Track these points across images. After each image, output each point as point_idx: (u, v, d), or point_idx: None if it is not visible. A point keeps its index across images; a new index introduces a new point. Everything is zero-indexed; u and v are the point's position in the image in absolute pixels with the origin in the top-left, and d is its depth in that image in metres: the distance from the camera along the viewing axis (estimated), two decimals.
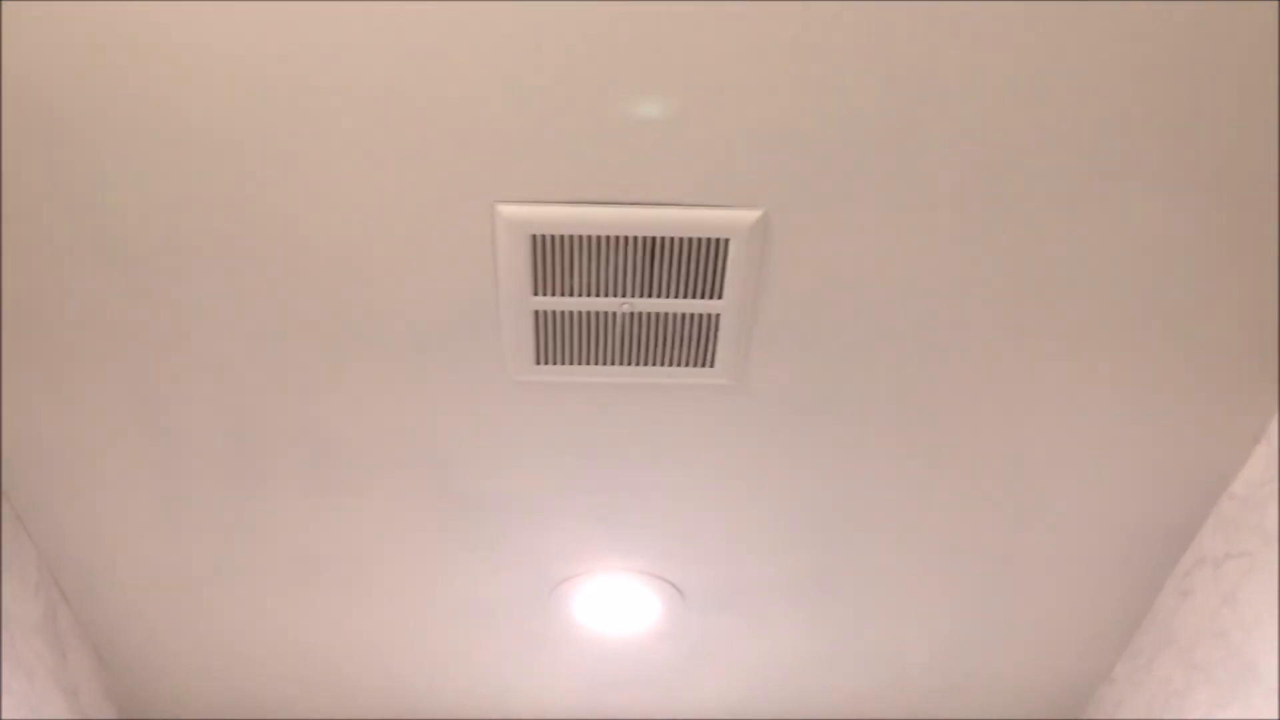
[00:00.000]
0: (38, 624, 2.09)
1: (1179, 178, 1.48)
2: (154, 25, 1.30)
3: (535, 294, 1.62)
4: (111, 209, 1.51)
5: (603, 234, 1.54)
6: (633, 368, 1.73)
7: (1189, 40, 1.32)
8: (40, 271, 1.59)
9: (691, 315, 1.65)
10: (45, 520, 2.02)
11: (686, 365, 1.73)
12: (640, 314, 1.65)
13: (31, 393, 1.78)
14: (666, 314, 1.65)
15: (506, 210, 1.51)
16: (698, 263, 1.58)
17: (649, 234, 1.53)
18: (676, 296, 1.62)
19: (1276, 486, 1.84)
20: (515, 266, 1.58)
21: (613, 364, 1.72)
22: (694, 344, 1.69)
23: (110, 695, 2.45)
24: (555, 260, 1.57)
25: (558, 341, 1.69)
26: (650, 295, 1.62)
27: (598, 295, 1.62)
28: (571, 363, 1.72)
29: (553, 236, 1.54)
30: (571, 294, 1.62)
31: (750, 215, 1.52)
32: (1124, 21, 1.30)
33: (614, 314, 1.65)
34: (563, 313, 1.65)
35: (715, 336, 1.68)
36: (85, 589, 2.18)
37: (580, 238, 1.55)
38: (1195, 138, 1.43)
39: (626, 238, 1.54)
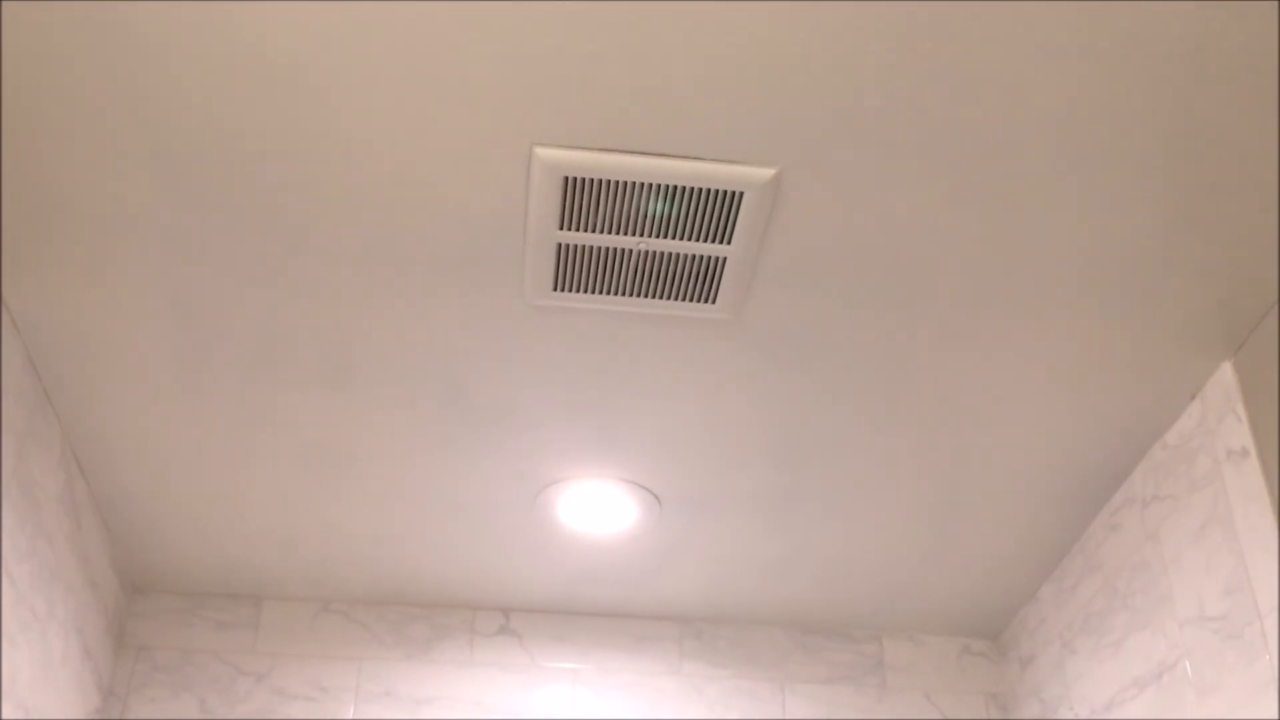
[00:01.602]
0: (59, 494, 2.23)
1: (1137, 168, 1.65)
2: None
3: (561, 229, 1.76)
4: (169, 119, 1.62)
5: (629, 179, 1.68)
6: (641, 299, 1.88)
7: (1153, 42, 1.49)
8: (93, 167, 1.70)
9: (701, 257, 1.81)
10: (70, 397, 2.15)
11: (691, 300, 1.88)
12: (654, 253, 1.80)
13: (65, 279, 1.89)
14: (678, 254, 1.80)
15: (543, 152, 1.65)
16: (713, 211, 1.73)
17: (671, 182, 1.68)
18: (689, 239, 1.77)
19: (1204, 440, 2.05)
20: (545, 203, 1.71)
21: (623, 294, 1.88)
22: (700, 282, 1.85)
23: (115, 565, 2.60)
24: (582, 200, 1.71)
25: (576, 272, 1.84)
26: (665, 236, 1.77)
27: (617, 233, 1.77)
28: (586, 291, 1.87)
29: (582, 179, 1.68)
30: (594, 230, 1.76)
31: (766, 173, 1.67)
32: (1100, 26, 1.46)
33: (630, 251, 1.80)
34: (584, 247, 1.79)
35: (720, 277, 1.84)
36: (100, 463, 2.32)
37: (607, 181, 1.68)
38: (1153, 133, 1.60)
39: (650, 184, 1.69)
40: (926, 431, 2.19)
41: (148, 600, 2.75)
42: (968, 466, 2.29)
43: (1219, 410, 2.01)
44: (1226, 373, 1.99)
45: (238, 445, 2.27)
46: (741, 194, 1.69)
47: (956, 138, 1.62)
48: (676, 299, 1.88)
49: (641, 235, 1.77)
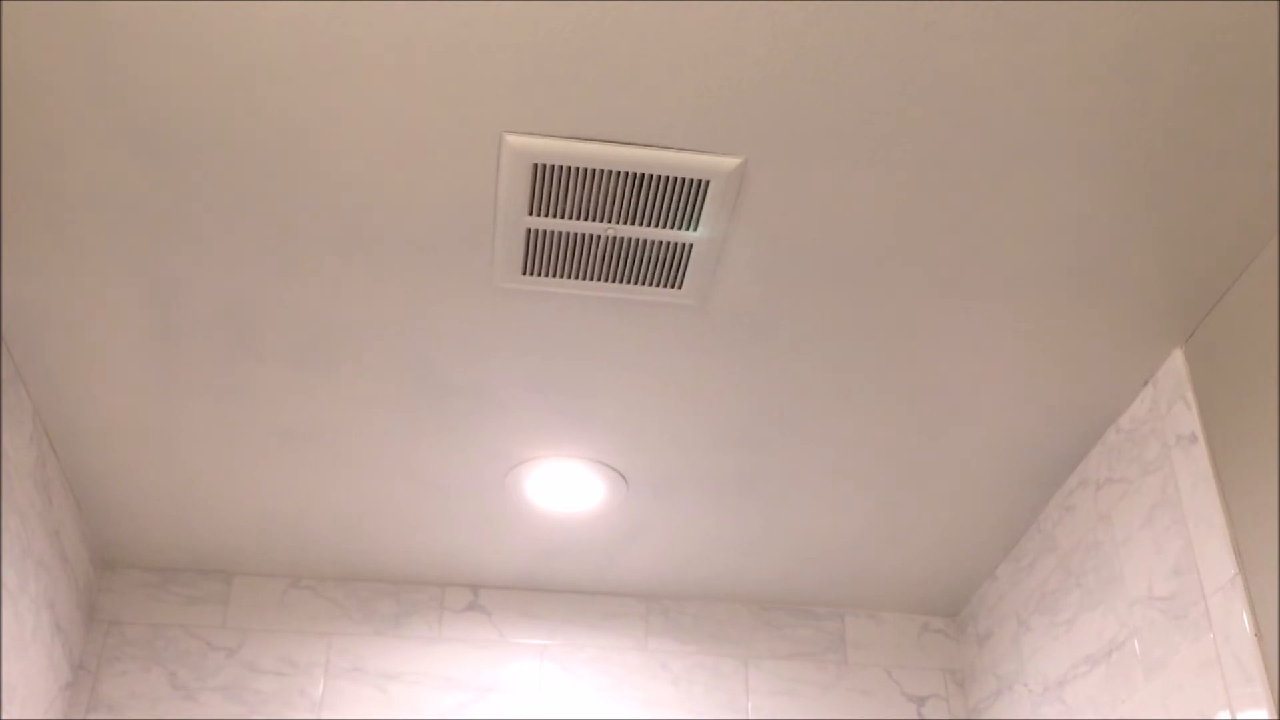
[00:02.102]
0: (30, 470, 2.25)
1: (1091, 161, 1.70)
2: None
3: (530, 214, 1.79)
4: (144, 104, 1.64)
5: (597, 167, 1.71)
6: (609, 284, 1.92)
7: (1102, 37, 1.53)
8: (69, 149, 1.71)
9: (668, 243, 1.84)
10: (42, 375, 2.16)
11: (657, 285, 1.92)
12: (622, 238, 1.83)
13: (41, 258, 1.90)
14: (645, 240, 1.84)
15: (513, 140, 1.67)
16: (679, 198, 1.76)
17: (639, 170, 1.71)
18: (656, 226, 1.81)
19: (1156, 425, 2.11)
20: (515, 189, 1.74)
21: (591, 279, 1.91)
22: (667, 268, 1.89)
23: (85, 540, 2.62)
24: (551, 186, 1.74)
25: (544, 257, 1.87)
26: (633, 223, 1.80)
27: (586, 219, 1.80)
28: (554, 275, 1.90)
29: (551, 166, 1.71)
30: (562, 216, 1.80)
31: (731, 161, 1.70)
32: (1061, 28, 1.50)
33: (598, 236, 1.83)
34: (552, 232, 1.82)
35: (686, 263, 1.88)
36: (72, 440, 2.34)
37: (576, 169, 1.72)
38: (1107, 128, 1.65)
39: (618, 172, 1.72)
40: (887, 415, 2.24)
41: (118, 575, 2.77)
42: (928, 449, 2.34)
43: (1170, 396, 2.07)
44: (1177, 360, 2.05)
45: (209, 423, 2.29)
46: (707, 182, 1.73)
47: (915, 131, 1.66)
48: (644, 284, 1.92)
49: (609, 221, 1.80)
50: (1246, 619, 1.80)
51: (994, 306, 1.98)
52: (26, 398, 2.20)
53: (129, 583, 2.77)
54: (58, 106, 1.64)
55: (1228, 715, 1.82)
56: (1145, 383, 2.15)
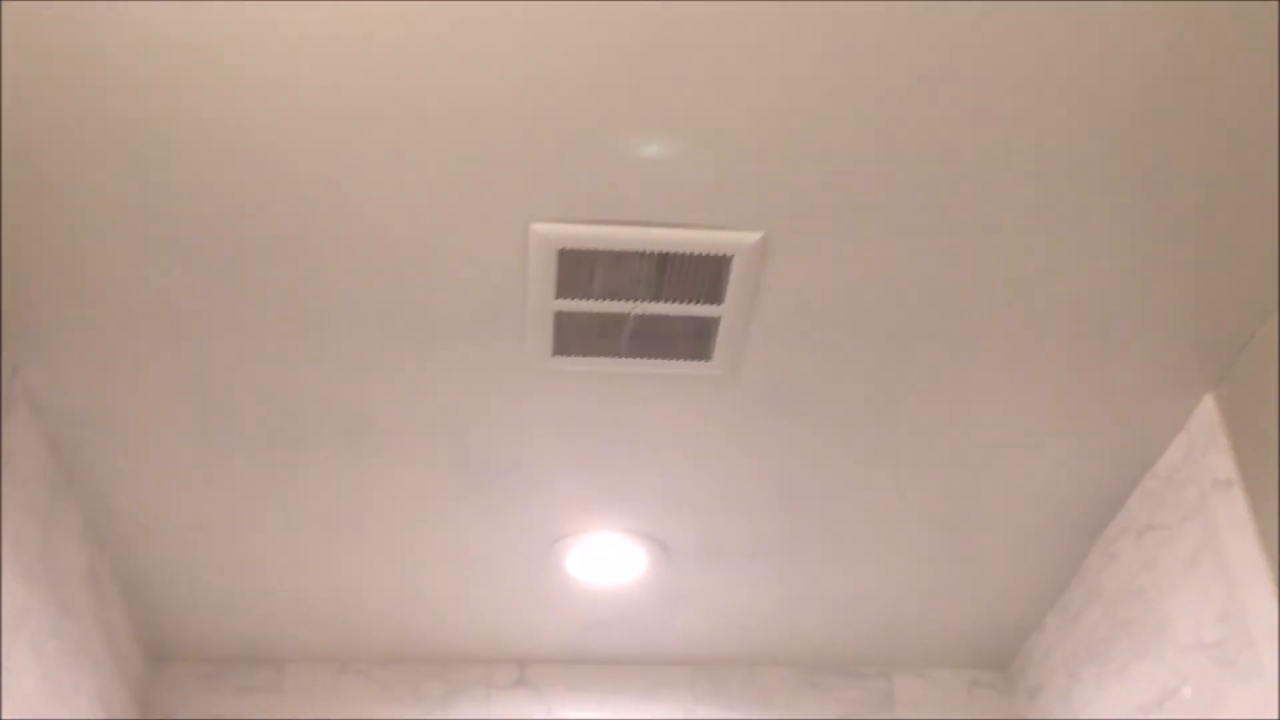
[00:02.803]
0: (83, 572, 2.29)
1: (1112, 213, 1.72)
2: (212, 46, 1.49)
3: (558, 298, 1.83)
4: (179, 209, 1.70)
5: (621, 249, 1.75)
6: (639, 360, 1.95)
7: (1124, 88, 1.56)
8: (107, 256, 1.77)
9: (695, 317, 1.88)
10: (91, 479, 2.21)
11: (687, 359, 1.95)
12: (649, 316, 1.87)
13: (85, 364, 1.96)
14: (673, 316, 1.87)
15: (539, 228, 1.72)
16: (704, 274, 1.80)
17: (662, 250, 1.75)
18: (682, 302, 1.85)
19: (1192, 471, 2.11)
20: (542, 274, 1.79)
21: (622, 356, 1.95)
22: (695, 341, 1.92)
23: (138, 636, 2.66)
24: (577, 269, 1.79)
25: (574, 337, 1.91)
26: (659, 300, 1.84)
27: (613, 300, 1.84)
28: (585, 354, 1.94)
29: (576, 250, 1.75)
30: (589, 298, 1.84)
31: (752, 236, 1.74)
32: (1078, 79, 1.54)
33: (626, 315, 1.87)
34: (581, 313, 1.86)
35: (714, 335, 1.91)
36: (121, 539, 2.38)
37: (601, 251, 1.76)
38: (1127, 178, 1.67)
39: (642, 252, 1.76)
40: (924, 473, 2.25)
41: (171, 669, 2.80)
42: (966, 503, 2.35)
43: (1204, 442, 2.07)
44: (1209, 405, 2.06)
45: (254, 514, 2.33)
46: (731, 257, 1.77)
47: (935, 195, 1.69)
48: (673, 358, 1.95)
49: (636, 300, 1.84)
50: None
51: (1023, 361, 1.99)
52: (76, 500, 2.25)
53: (182, 676, 2.80)
54: (99, 221, 1.70)
55: None
56: (1179, 429, 2.15)
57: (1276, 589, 1.85)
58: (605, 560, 2.48)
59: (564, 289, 1.82)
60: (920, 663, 2.91)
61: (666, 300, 1.84)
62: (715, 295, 1.83)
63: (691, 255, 1.77)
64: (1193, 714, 2.08)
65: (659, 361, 1.96)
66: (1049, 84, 1.53)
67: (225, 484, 2.24)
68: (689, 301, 1.85)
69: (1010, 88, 1.54)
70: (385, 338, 1.92)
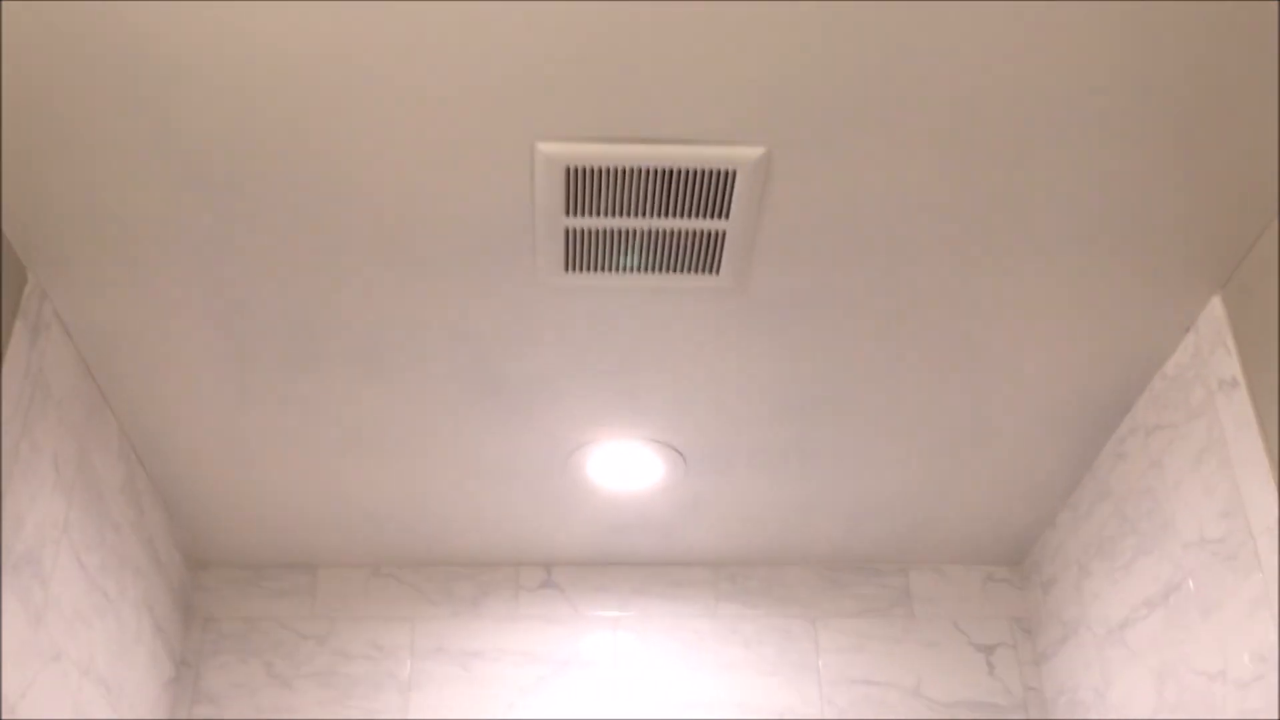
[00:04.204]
0: (121, 485, 2.38)
1: (1116, 114, 1.73)
2: (233, 3, 1.51)
3: (567, 215, 1.86)
4: (199, 137, 1.74)
5: (627, 166, 1.77)
6: (649, 274, 1.99)
7: (1138, 14, 1.56)
8: (133, 183, 1.82)
9: (702, 231, 1.91)
10: (126, 396, 2.29)
11: (696, 272, 1.99)
12: (657, 230, 1.90)
13: (115, 288, 2.02)
14: (680, 230, 1.90)
15: (544, 147, 1.75)
16: (708, 189, 1.82)
17: (667, 166, 1.78)
18: (689, 217, 1.87)
19: (1199, 372, 2.14)
20: (550, 193, 1.82)
21: (632, 271, 1.98)
22: (703, 255, 1.95)
23: (178, 544, 2.77)
24: (585, 187, 1.81)
25: (585, 253, 1.94)
26: (666, 216, 1.87)
27: (621, 215, 1.87)
28: (596, 270, 1.98)
29: (583, 168, 1.78)
30: (598, 214, 1.87)
31: (755, 151, 1.76)
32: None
33: (635, 230, 1.90)
34: (590, 230, 1.90)
35: (722, 249, 1.94)
36: (158, 454, 2.47)
37: (607, 169, 1.78)
38: (1129, 81, 1.67)
39: (648, 169, 1.78)
40: (935, 378, 2.29)
41: (210, 574, 2.92)
42: (978, 408, 2.39)
43: (1211, 342, 2.09)
44: (1216, 306, 2.07)
45: (282, 429, 2.41)
46: (734, 172, 1.79)
47: (936, 108, 1.70)
48: (683, 271, 1.99)
49: (644, 215, 1.87)
50: None
51: (1031, 267, 2.01)
52: (112, 417, 2.33)
53: (221, 580, 2.92)
54: (121, 153, 1.75)
55: (1279, 651, 1.86)
56: (1187, 330, 2.18)
57: (1276, 486, 1.89)
58: (624, 467, 2.54)
59: (573, 206, 1.85)
60: (936, 559, 2.98)
61: (673, 215, 1.87)
62: (721, 210, 1.86)
63: (697, 171, 1.79)
64: (1196, 606, 2.14)
65: (669, 275, 2.00)
66: (1046, 6, 1.53)
67: (254, 401, 2.31)
68: (696, 216, 1.87)
69: (1008, 9, 1.54)
70: (398, 260, 1.97)
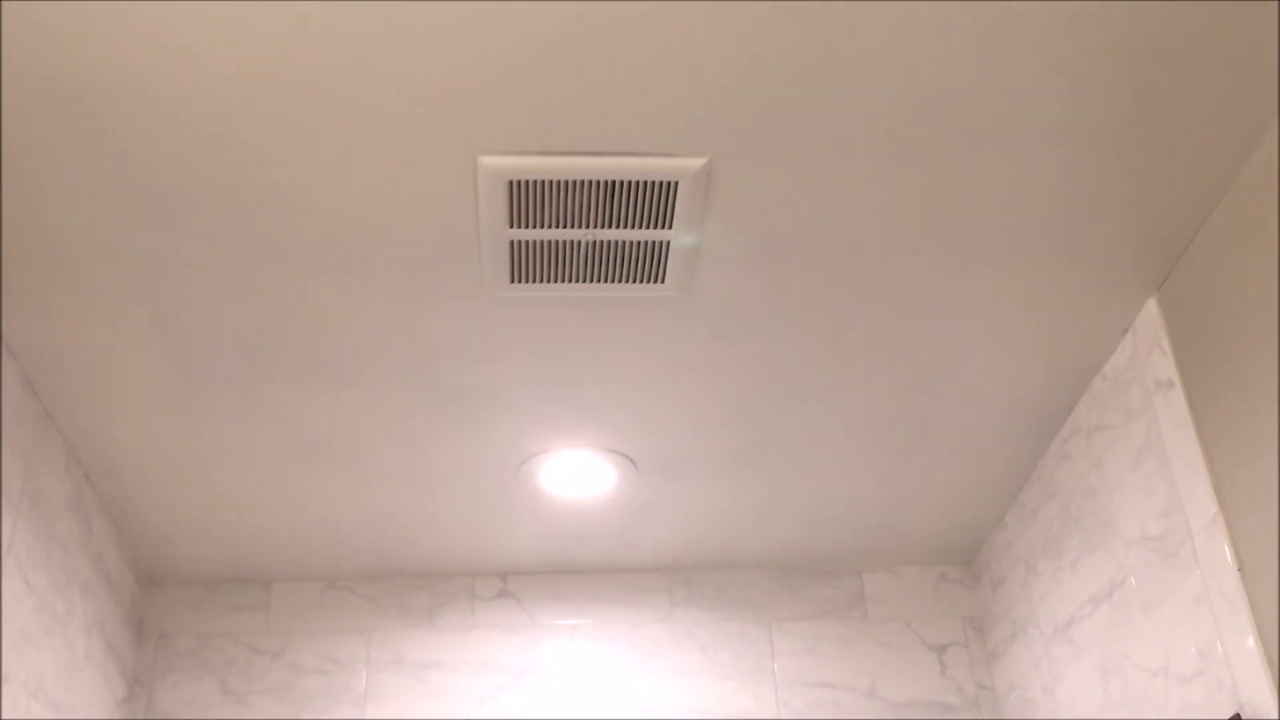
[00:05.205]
0: (68, 501, 2.37)
1: (1053, 119, 1.76)
2: (170, 20, 1.51)
3: (511, 227, 1.87)
4: (141, 154, 1.73)
5: (570, 179, 1.79)
6: (595, 284, 2.00)
7: (1082, 14, 1.59)
8: (76, 202, 1.81)
9: (646, 242, 1.92)
10: (71, 414, 2.28)
11: (642, 282, 2.00)
12: (602, 241, 1.92)
13: (59, 306, 2.01)
14: (625, 241, 1.92)
15: (487, 160, 1.76)
16: (652, 200, 1.84)
17: (610, 178, 1.79)
18: (633, 227, 1.89)
19: (1136, 373, 2.18)
20: (494, 206, 1.83)
21: (578, 281, 1.99)
22: (648, 264, 1.97)
23: (128, 561, 2.75)
24: (528, 200, 1.83)
25: (530, 265, 1.95)
26: (610, 226, 1.89)
27: (565, 227, 1.88)
28: (542, 281, 1.99)
29: (526, 181, 1.79)
30: (542, 226, 1.88)
31: (696, 162, 1.78)
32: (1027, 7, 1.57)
33: (579, 242, 1.91)
34: (534, 241, 1.91)
35: (666, 258, 1.96)
36: (106, 471, 2.46)
37: (550, 182, 1.80)
38: (1067, 86, 1.71)
39: (590, 181, 1.80)
40: (882, 382, 2.32)
41: (163, 590, 2.90)
42: (925, 410, 2.42)
43: (1148, 344, 2.13)
44: (1152, 308, 2.11)
45: (232, 444, 2.40)
46: (676, 183, 1.81)
47: (876, 115, 1.72)
48: (628, 281, 2.00)
49: (587, 227, 1.88)
50: (1229, 554, 1.88)
51: (974, 271, 2.04)
52: (58, 435, 2.31)
53: (174, 596, 2.90)
54: (61, 170, 1.74)
55: (1219, 645, 1.90)
56: (1125, 331, 2.22)
57: (1212, 484, 1.93)
58: (577, 476, 2.55)
59: (516, 218, 1.86)
60: (889, 560, 3.01)
61: (618, 226, 1.89)
62: (664, 220, 1.88)
63: (639, 183, 1.80)
64: (1138, 603, 2.18)
65: (615, 285, 2.01)
66: (984, 9, 1.56)
67: (204, 417, 2.30)
68: (640, 227, 1.89)
69: (946, 14, 1.56)
70: (345, 273, 1.97)
